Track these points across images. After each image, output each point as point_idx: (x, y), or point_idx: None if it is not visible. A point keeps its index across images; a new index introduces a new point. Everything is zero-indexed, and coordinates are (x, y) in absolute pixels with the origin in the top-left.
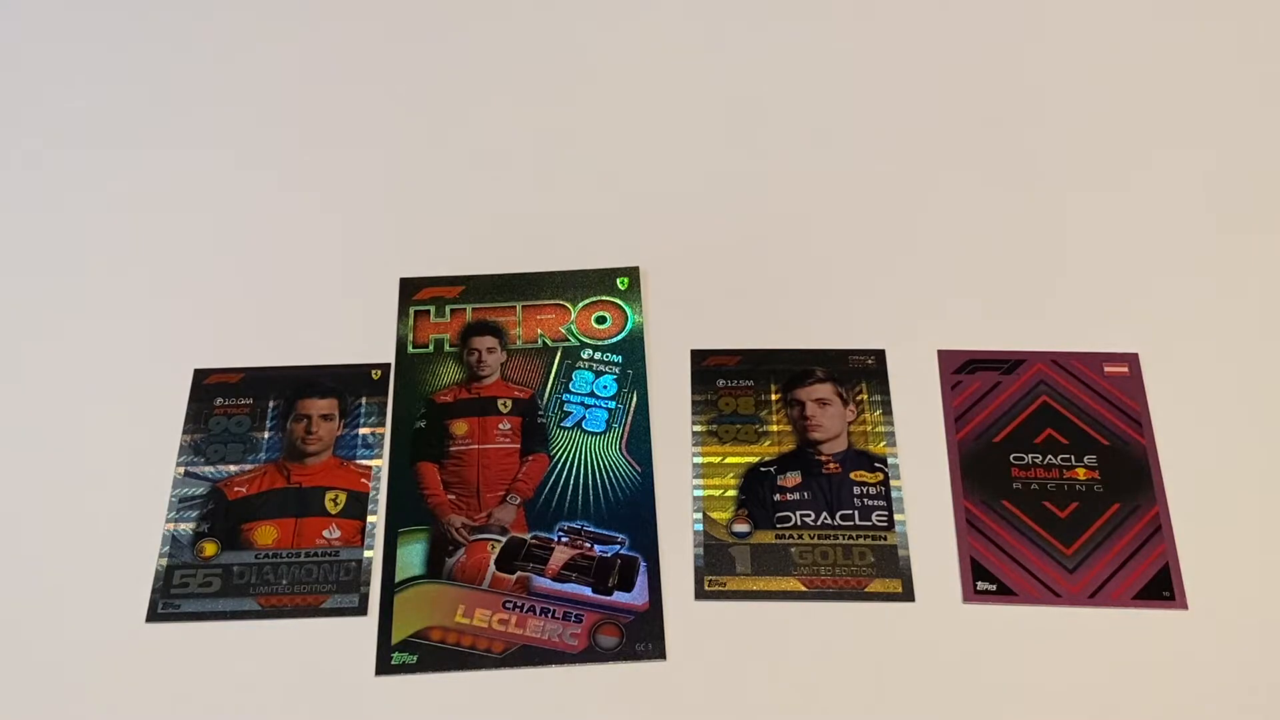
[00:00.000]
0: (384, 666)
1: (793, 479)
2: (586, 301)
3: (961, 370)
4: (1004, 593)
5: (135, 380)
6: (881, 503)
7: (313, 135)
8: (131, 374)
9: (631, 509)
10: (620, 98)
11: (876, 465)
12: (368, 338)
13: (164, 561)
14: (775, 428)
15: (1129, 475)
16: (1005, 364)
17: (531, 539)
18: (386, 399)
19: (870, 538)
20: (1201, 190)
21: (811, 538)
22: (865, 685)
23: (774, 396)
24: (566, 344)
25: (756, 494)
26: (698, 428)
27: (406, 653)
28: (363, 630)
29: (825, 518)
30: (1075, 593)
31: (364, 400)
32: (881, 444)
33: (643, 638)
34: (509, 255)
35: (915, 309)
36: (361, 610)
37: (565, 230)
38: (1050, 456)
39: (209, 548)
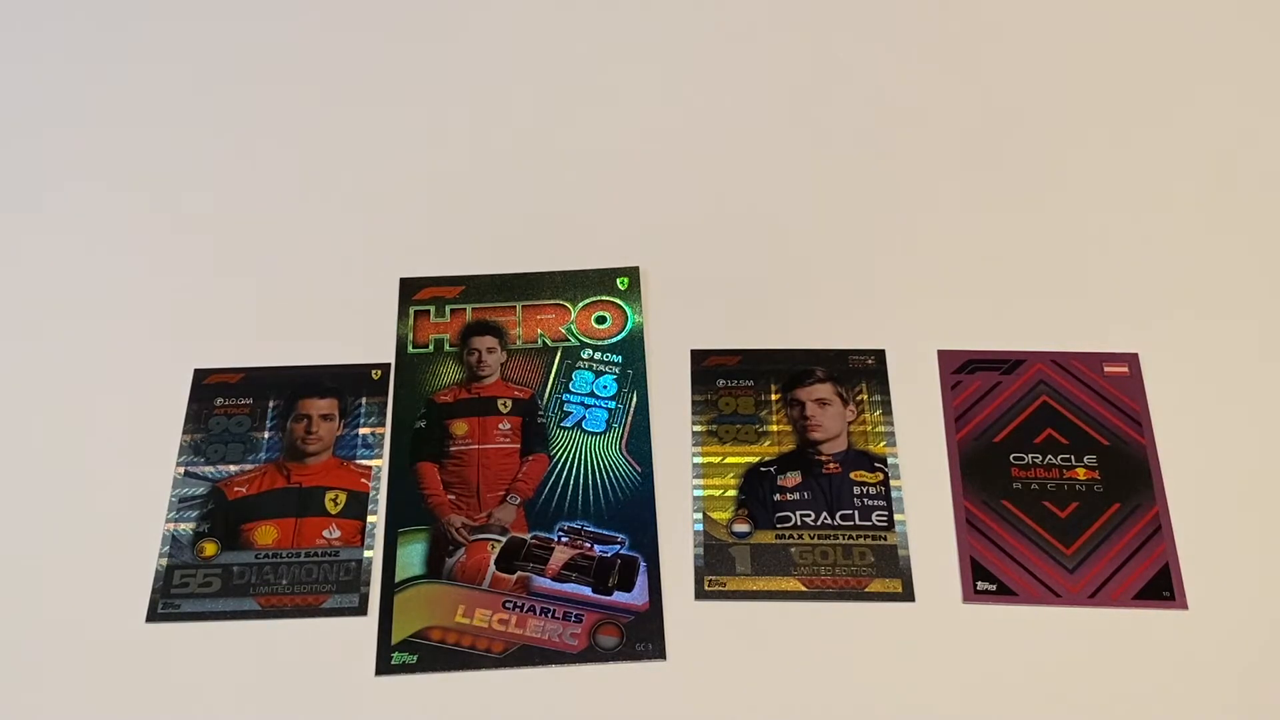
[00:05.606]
0: (384, 666)
1: (793, 479)
2: (586, 301)
3: (961, 370)
4: (1004, 593)
5: (135, 380)
6: (881, 503)
7: (313, 135)
8: (131, 374)
9: (631, 509)
10: (620, 98)
11: (876, 465)
12: (368, 338)
13: (164, 561)
14: (775, 428)
15: (1129, 475)
16: (1005, 364)
17: (531, 539)
18: (386, 399)
19: (870, 538)
20: (1201, 190)
21: (811, 538)
22: (865, 685)
23: (774, 396)
24: (566, 344)
25: (756, 494)
26: (698, 428)
27: (406, 653)
28: (363, 630)
29: (825, 518)
30: (1075, 593)
31: (364, 400)
32: (881, 444)
33: (643, 638)
34: (509, 255)
35: (915, 309)
36: (361, 610)
37: (565, 230)
38: (1050, 456)
39: (209, 548)
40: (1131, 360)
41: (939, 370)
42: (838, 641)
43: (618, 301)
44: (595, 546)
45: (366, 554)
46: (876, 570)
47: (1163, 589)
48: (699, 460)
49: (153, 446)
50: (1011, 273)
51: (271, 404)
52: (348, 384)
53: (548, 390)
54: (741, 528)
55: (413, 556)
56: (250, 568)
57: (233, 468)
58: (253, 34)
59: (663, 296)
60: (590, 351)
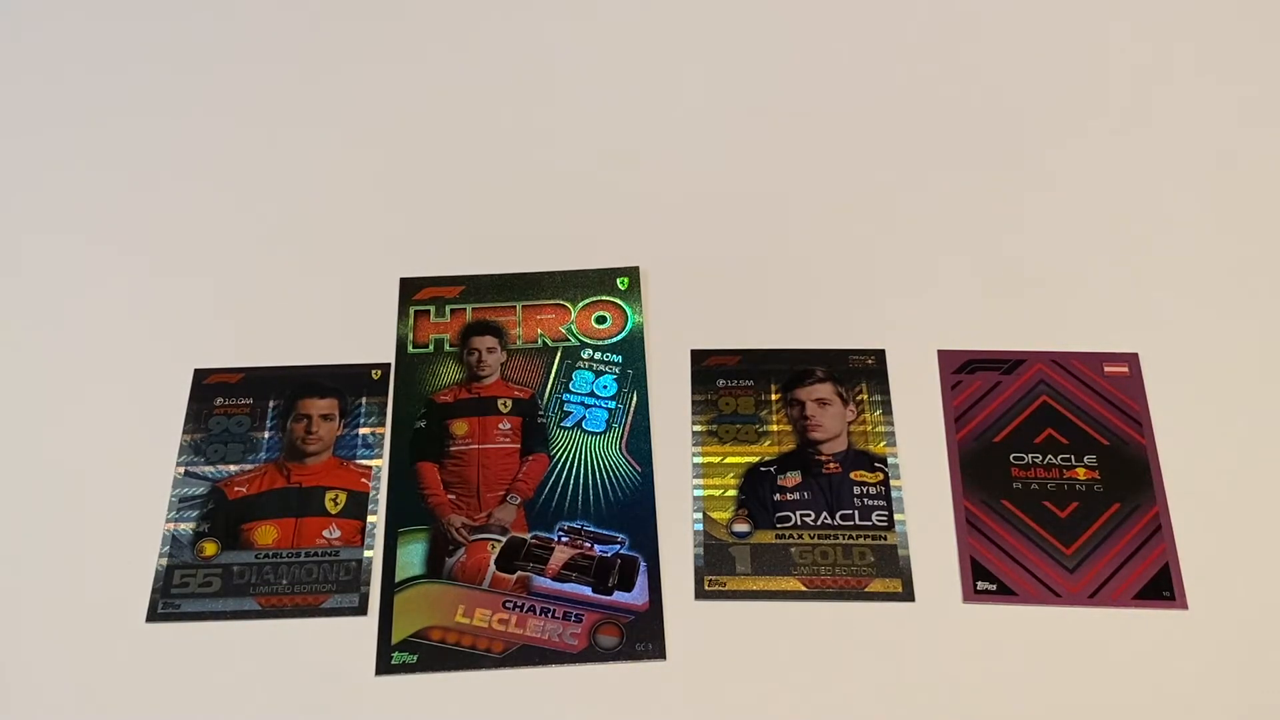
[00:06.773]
0: (384, 666)
1: (793, 479)
2: (586, 301)
3: (961, 370)
4: (1004, 593)
5: (135, 380)
6: (881, 503)
7: (313, 134)
8: (131, 374)
9: (631, 509)
10: (620, 98)
11: (876, 465)
12: (368, 338)
13: (164, 561)
14: (775, 427)
15: (1129, 475)
16: (1005, 364)
17: (531, 539)
18: (386, 399)
19: (870, 537)
20: (1201, 189)
21: (811, 538)
22: (865, 685)
23: (774, 396)
24: (566, 344)
25: (756, 494)
26: (698, 428)
27: (406, 653)
28: (363, 630)
29: (825, 518)
30: (1075, 593)
31: (364, 400)
32: (881, 444)
33: (643, 638)
34: (509, 255)
35: (915, 309)
36: (361, 610)
37: (565, 230)
38: (1050, 456)
39: (209, 548)
40: (1131, 360)
41: (939, 370)
42: (838, 641)
43: (618, 301)
44: (595, 546)
45: (366, 554)
46: (876, 570)
47: (1163, 589)
48: (699, 460)
49: (153, 446)
50: (1011, 273)
51: (271, 404)
52: (348, 384)
53: (548, 390)
54: (741, 528)
55: (413, 556)
56: (250, 568)
57: (233, 468)
58: (255, 31)
59: (663, 296)
60: (590, 351)
